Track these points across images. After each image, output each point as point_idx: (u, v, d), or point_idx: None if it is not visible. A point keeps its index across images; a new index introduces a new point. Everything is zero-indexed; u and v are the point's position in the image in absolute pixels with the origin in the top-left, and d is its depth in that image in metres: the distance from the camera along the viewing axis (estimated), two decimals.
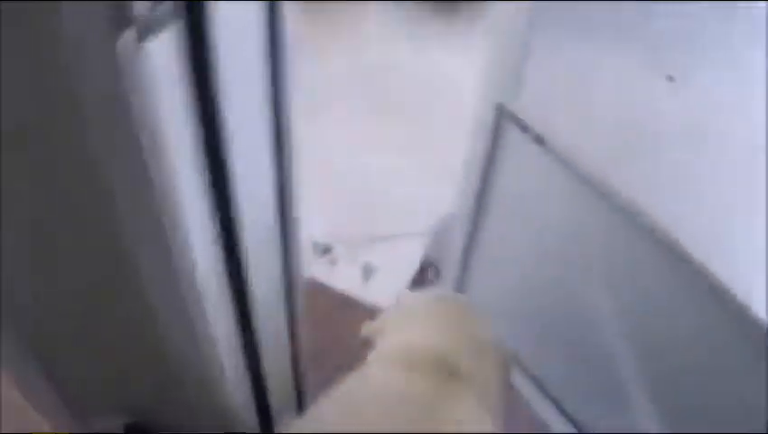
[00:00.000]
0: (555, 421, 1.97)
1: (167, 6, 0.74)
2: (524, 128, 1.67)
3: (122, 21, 0.70)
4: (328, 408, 1.28)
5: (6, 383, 1.36)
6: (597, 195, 1.52)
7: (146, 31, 0.72)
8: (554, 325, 1.79)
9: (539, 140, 1.63)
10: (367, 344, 1.43)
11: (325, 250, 2.54)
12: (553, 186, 1.62)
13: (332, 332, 2.04)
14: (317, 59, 3.11)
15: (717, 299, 1.34)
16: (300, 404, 1.62)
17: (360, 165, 2.81)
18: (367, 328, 1.45)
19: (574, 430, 1.92)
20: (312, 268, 2.44)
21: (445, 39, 3.45)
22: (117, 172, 0.85)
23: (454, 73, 3.17)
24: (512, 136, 1.70)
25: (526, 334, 1.86)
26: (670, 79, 1.80)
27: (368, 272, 2.45)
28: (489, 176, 1.78)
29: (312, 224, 2.44)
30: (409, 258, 2.48)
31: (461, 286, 2.01)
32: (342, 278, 2.44)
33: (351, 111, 3.01)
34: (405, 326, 1.41)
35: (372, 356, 1.38)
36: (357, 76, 3.18)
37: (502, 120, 1.71)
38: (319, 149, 2.69)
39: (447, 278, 2.02)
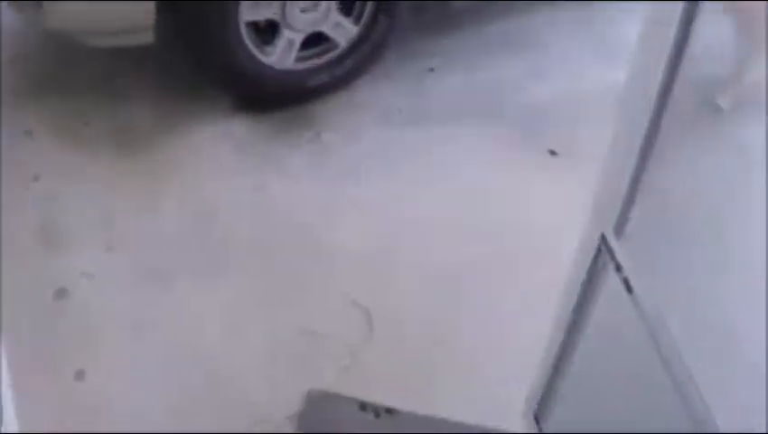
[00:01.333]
0: None
1: None
2: (618, 267, 1.55)
3: None
4: None
5: None
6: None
7: None
8: None
9: (627, 286, 1.51)
10: None
11: None
12: (631, 340, 1.49)
13: None
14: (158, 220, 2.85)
15: None
16: None
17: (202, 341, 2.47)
18: None
19: None
20: None
21: (286, 167, 3.08)
22: None
23: (301, 212, 2.90)
24: (608, 272, 1.59)
25: None
26: None
27: None
28: (583, 309, 1.67)
29: None
30: None
31: (543, 414, 1.90)
32: None
33: (194, 276, 2.69)
34: None
35: None
36: (194, 229, 2.85)
37: (602, 252, 1.61)
38: (168, 328, 2.46)
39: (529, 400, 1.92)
